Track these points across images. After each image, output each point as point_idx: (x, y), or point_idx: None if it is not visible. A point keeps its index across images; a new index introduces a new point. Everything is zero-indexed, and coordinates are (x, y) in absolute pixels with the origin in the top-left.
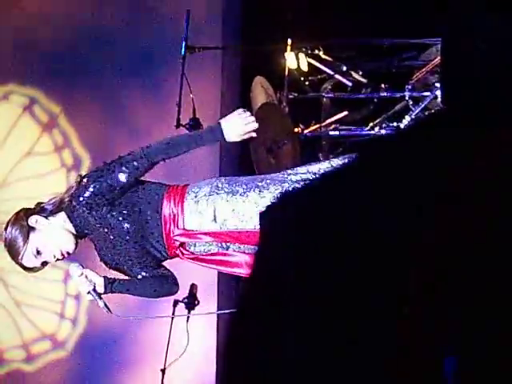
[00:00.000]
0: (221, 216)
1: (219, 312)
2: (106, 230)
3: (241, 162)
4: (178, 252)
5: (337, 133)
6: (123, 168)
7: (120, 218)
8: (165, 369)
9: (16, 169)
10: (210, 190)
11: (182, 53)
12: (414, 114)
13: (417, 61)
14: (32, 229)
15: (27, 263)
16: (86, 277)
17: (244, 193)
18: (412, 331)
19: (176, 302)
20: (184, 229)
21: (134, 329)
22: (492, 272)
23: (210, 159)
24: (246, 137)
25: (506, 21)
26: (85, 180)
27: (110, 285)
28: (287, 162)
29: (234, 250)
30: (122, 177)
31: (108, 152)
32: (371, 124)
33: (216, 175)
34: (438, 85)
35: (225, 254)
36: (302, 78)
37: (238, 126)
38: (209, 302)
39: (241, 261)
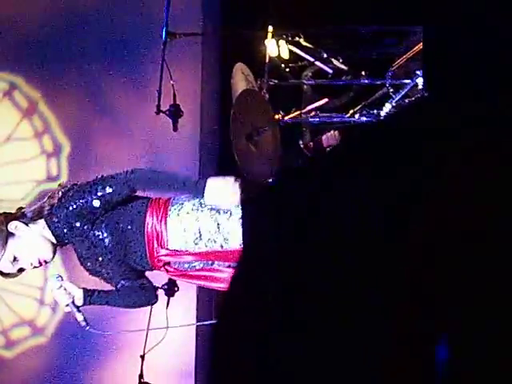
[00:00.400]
0: (205, 234)
1: (199, 323)
2: (87, 245)
3: (220, 159)
4: (162, 269)
5: (317, 119)
6: (104, 192)
7: (101, 236)
8: (144, 355)
9: None
10: (192, 207)
11: (163, 39)
12: (394, 101)
13: (398, 48)
14: (11, 235)
15: (3, 269)
16: (65, 289)
17: (228, 210)
18: (403, 320)
19: (156, 289)
20: (168, 249)
21: (114, 315)
22: (483, 258)
23: (189, 155)
24: (224, 207)
25: (488, 7)
26: (66, 197)
27: (89, 297)
28: (268, 149)
29: (219, 266)
30: (98, 203)
31: (88, 138)
32: (352, 111)
33: (195, 173)
34: (418, 72)
35: (210, 270)
36: (283, 65)
37: (222, 198)
38: (188, 289)
39: (227, 277)
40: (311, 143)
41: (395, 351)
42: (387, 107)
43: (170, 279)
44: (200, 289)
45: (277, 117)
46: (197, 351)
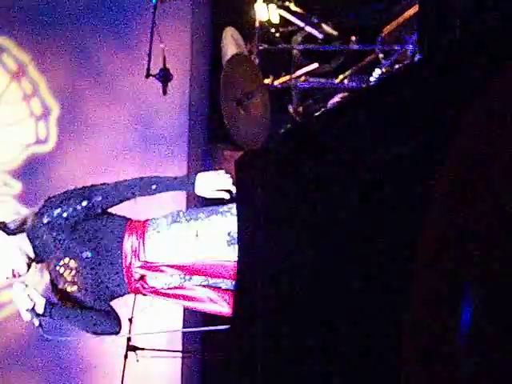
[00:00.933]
0: (184, 245)
1: (184, 330)
2: (63, 255)
3: (210, 122)
4: (138, 285)
5: (307, 84)
6: (91, 201)
7: (80, 244)
8: (132, 318)
9: None
10: (170, 221)
11: (153, 2)
12: (384, 66)
13: (388, 14)
14: None
15: None
16: (28, 295)
17: (206, 217)
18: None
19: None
20: (145, 261)
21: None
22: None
23: (179, 118)
24: (216, 195)
25: None
26: (50, 201)
27: (51, 307)
28: (257, 113)
29: (197, 285)
30: (80, 208)
31: (77, 101)
32: (341, 76)
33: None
34: (408, 38)
35: (187, 289)
36: (273, 30)
37: (213, 183)
38: None
39: (203, 297)
40: (301, 108)
41: (420, 313)
42: (377, 73)
43: None
44: None
45: (266, 81)
46: (184, 312)
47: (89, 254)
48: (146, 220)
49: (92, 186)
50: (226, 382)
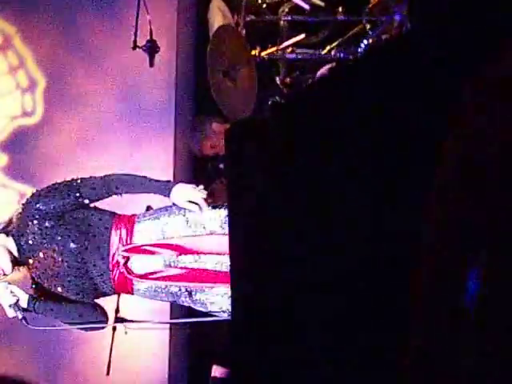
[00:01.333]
0: (173, 228)
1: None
2: (49, 245)
3: (197, 94)
4: (123, 271)
5: (294, 56)
6: (79, 191)
7: (67, 230)
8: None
9: None
10: (158, 214)
11: None
12: (371, 37)
13: None
14: None
15: None
16: (11, 292)
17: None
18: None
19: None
20: (131, 243)
21: None
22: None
23: (166, 90)
24: (188, 206)
25: None
26: (38, 193)
27: (35, 302)
28: (244, 85)
29: (183, 267)
30: (68, 199)
31: (64, 73)
32: (328, 47)
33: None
34: (396, 9)
35: (167, 270)
36: (260, 1)
37: (188, 195)
38: None
39: (183, 273)
40: (288, 79)
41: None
42: (364, 44)
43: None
44: None
45: (253, 53)
46: None
47: (75, 243)
48: (134, 214)
49: (81, 178)
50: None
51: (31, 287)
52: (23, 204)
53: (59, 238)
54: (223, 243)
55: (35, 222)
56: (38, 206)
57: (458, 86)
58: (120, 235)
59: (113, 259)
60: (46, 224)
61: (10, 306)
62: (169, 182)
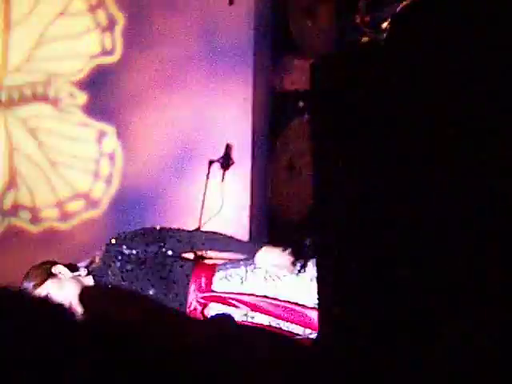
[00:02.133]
0: (257, 283)
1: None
2: (126, 283)
3: (276, 32)
4: (199, 317)
5: None
6: (164, 243)
7: (147, 280)
8: (199, 228)
9: (50, 29)
10: (239, 264)
11: None
12: None
13: None
14: (53, 275)
15: None
16: None
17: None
18: None
19: (211, 162)
20: (211, 290)
21: (168, 190)
22: None
23: (244, 27)
24: (271, 270)
25: None
26: (121, 237)
27: None
28: (323, 22)
29: (252, 323)
30: (152, 248)
31: (143, 12)
32: None
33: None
34: None
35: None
36: None
37: (275, 260)
38: (243, 161)
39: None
40: (368, 17)
41: None
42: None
43: (225, 152)
44: (253, 159)
45: None
46: (250, 225)
47: (155, 288)
48: (215, 263)
49: (169, 228)
50: None
51: None
52: (107, 244)
53: (139, 282)
54: (305, 315)
55: (118, 263)
56: (121, 248)
57: None
58: (200, 283)
59: (190, 305)
60: (128, 267)
61: None
62: (255, 244)
